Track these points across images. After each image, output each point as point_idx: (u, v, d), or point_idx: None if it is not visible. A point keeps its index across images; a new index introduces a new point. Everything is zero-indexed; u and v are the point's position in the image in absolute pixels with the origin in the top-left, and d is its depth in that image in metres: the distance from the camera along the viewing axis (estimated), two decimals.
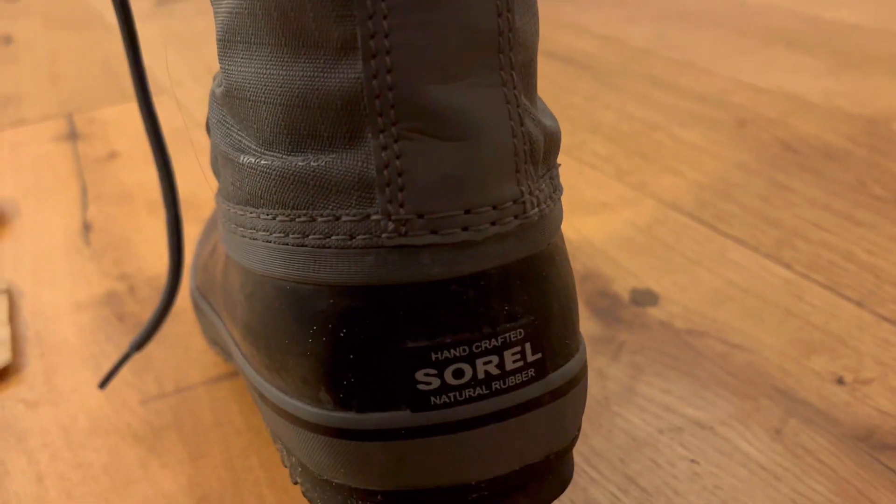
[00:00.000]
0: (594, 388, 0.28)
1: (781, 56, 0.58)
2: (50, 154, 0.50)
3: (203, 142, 0.51)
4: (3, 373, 0.31)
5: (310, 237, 0.19)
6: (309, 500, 0.21)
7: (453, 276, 0.18)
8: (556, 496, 0.21)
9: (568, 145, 0.46)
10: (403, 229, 0.18)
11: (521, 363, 0.19)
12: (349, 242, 0.18)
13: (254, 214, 0.20)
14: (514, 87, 0.18)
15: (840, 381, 0.28)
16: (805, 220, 0.38)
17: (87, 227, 0.42)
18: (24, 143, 0.52)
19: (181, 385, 0.30)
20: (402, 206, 0.18)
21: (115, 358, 0.32)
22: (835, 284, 0.33)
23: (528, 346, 0.19)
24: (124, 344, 0.33)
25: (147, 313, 0.34)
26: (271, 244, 0.20)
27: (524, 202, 0.18)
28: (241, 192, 0.21)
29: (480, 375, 0.18)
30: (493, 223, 0.18)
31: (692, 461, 0.25)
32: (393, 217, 0.18)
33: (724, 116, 0.49)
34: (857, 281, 0.33)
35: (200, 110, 0.57)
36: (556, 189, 0.20)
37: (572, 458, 0.21)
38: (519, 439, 0.19)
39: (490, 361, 0.18)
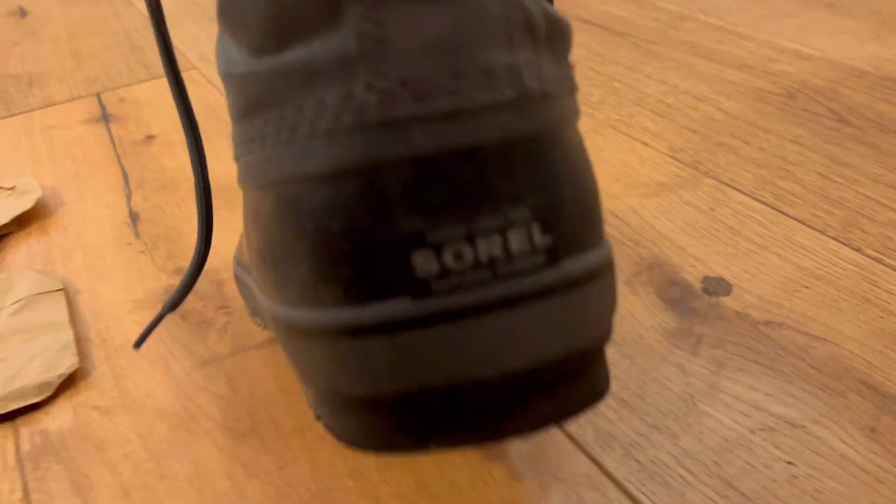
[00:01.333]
0: (677, 385, 0.28)
1: (822, 19, 0.57)
2: (84, 138, 0.49)
3: None
4: (71, 378, 0.31)
5: (300, 130, 0.18)
6: (329, 430, 0.20)
7: (446, 149, 0.17)
8: (586, 406, 0.19)
9: (616, 120, 0.46)
10: (388, 101, 0.17)
11: (528, 246, 0.17)
12: (337, 124, 0.17)
13: (250, 126, 0.20)
14: None
15: None
16: (869, 198, 0.37)
17: (134, 218, 0.41)
18: (56, 126, 0.51)
19: (255, 389, 0.30)
20: (384, 76, 0.17)
21: (181, 356, 0.32)
22: None
23: (535, 227, 0.17)
24: (191, 344, 0.32)
25: (209, 310, 0.34)
26: (268, 150, 0.19)
27: (520, 73, 0.17)
28: (238, 105, 0.20)
29: (483, 258, 0.17)
30: (484, 91, 0.17)
31: (788, 463, 0.25)
32: (376, 88, 0.17)
33: (770, 87, 0.48)
34: None
35: None
36: (568, 78, 0.19)
37: (606, 370, 0.20)
38: (532, 331, 0.18)
39: (492, 243, 0.17)
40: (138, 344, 0.28)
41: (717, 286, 0.32)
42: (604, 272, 0.19)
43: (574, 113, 0.20)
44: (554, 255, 0.18)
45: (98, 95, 0.55)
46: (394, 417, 0.19)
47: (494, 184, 0.17)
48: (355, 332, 0.18)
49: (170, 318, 0.34)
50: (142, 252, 0.38)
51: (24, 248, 0.39)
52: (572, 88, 0.20)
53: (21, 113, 0.53)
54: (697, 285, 0.33)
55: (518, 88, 0.17)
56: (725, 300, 0.32)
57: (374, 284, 0.17)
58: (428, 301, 0.17)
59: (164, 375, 0.31)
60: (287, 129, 0.18)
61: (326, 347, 0.18)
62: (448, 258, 0.17)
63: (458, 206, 0.17)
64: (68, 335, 0.32)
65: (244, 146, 0.20)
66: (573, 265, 0.18)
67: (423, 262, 0.17)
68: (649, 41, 0.55)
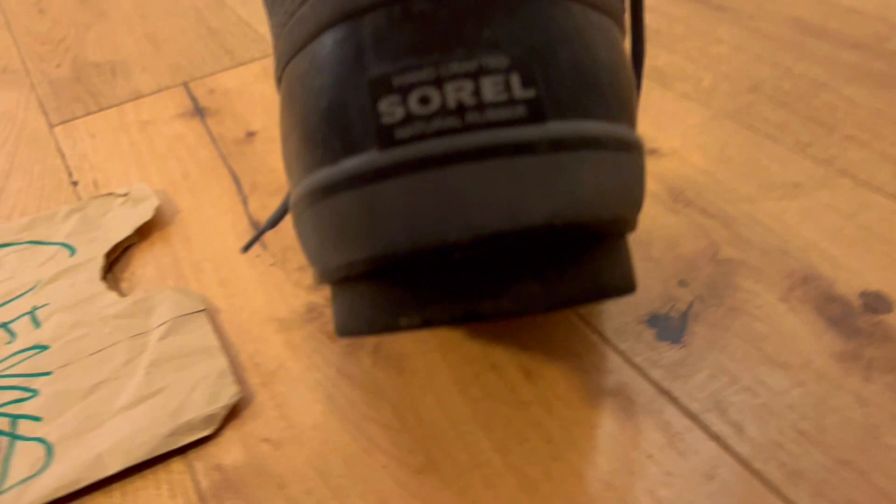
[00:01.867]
0: (857, 414, 0.28)
1: None
2: (184, 135, 0.49)
3: None
4: (234, 408, 0.31)
5: (295, 2, 0.18)
6: (336, 332, 0.19)
7: None
8: (584, 298, 0.17)
9: (734, 110, 0.44)
10: None
11: (505, 96, 0.16)
12: None
13: (273, 24, 0.20)
14: None
15: None
16: None
17: (256, 227, 0.41)
18: (152, 122, 0.50)
19: (421, 417, 0.30)
20: None
21: (339, 382, 0.32)
22: None
23: (515, 77, 0.16)
24: (345, 367, 0.32)
25: None
26: (282, 37, 0.19)
27: None
28: (265, 9, 0.20)
29: (451, 104, 0.16)
30: None
31: None
32: None
33: (890, 69, 0.46)
34: None
35: None
36: None
37: (623, 266, 0.18)
38: (505, 188, 0.16)
39: (462, 88, 0.16)
40: (246, 249, 0.29)
41: (877, 302, 0.32)
42: (612, 146, 0.17)
43: (604, 3, 0.18)
44: (537, 112, 0.16)
45: (186, 86, 0.54)
46: (369, 290, 0.18)
47: (470, 28, 0.16)
48: (329, 190, 0.17)
49: (318, 339, 0.34)
50: (273, 265, 0.38)
51: (151, 262, 0.39)
52: None
53: (112, 106, 0.53)
54: (856, 301, 0.32)
55: None
56: (888, 318, 0.31)
57: (345, 138, 0.17)
58: (392, 150, 0.16)
59: (326, 404, 0.31)
60: (288, 6, 0.18)
61: (311, 216, 0.18)
62: (413, 103, 0.16)
63: (427, 49, 0.16)
64: (223, 361, 0.32)
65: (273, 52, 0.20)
66: (565, 128, 0.17)
67: (388, 108, 0.16)
68: (750, 16, 0.53)
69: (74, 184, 0.45)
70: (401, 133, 0.16)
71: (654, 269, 0.35)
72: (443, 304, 0.17)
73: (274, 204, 0.42)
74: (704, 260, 0.35)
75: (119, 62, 0.58)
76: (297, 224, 0.19)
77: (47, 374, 0.33)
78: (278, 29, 0.20)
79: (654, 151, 0.42)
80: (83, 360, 0.33)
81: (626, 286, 0.19)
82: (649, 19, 0.55)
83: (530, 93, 0.16)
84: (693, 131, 0.43)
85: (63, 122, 0.51)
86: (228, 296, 0.37)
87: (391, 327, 0.18)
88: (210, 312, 0.36)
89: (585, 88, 0.17)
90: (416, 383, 0.31)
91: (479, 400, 0.30)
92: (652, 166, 0.41)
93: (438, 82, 0.16)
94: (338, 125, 0.17)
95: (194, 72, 0.56)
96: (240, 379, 0.32)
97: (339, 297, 0.19)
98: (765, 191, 0.38)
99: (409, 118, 0.16)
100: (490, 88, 0.16)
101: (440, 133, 0.16)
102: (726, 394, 0.29)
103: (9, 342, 0.35)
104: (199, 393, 0.31)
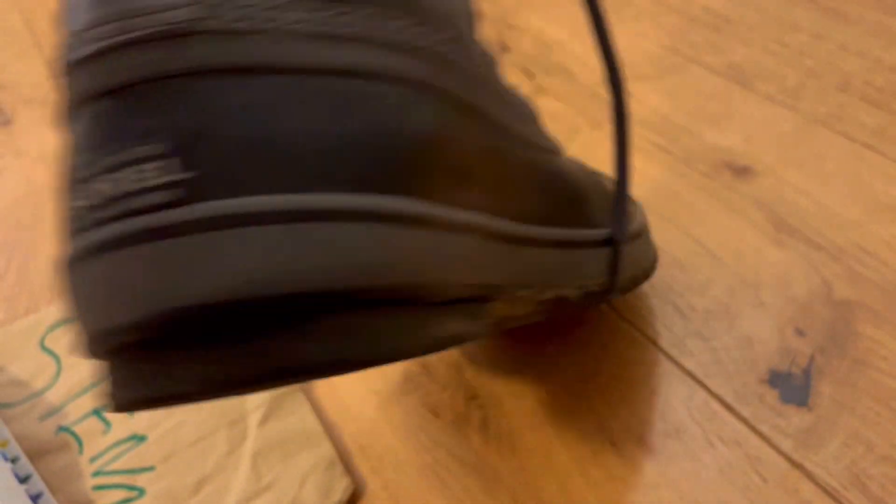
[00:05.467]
0: None
1: None
2: None
3: None
4: (349, 501, 0.30)
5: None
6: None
7: (93, 92, 0.18)
8: (268, 378, 0.18)
9: (825, 114, 0.42)
10: (64, 51, 0.18)
11: (148, 184, 0.17)
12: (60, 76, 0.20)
13: None
14: None
15: None
16: None
17: None
18: None
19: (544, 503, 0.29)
20: (64, 30, 0.18)
21: (451, 466, 0.31)
22: None
23: (167, 163, 0.18)
24: (455, 449, 0.31)
25: (458, 403, 0.33)
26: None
27: (171, 9, 0.18)
28: None
29: (97, 198, 0.18)
30: (119, 32, 0.18)
31: None
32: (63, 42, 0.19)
33: None
34: None
35: None
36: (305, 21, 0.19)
37: (358, 337, 0.18)
38: (154, 273, 0.17)
39: (118, 180, 0.18)
40: None
41: None
42: (288, 218, 0.18)
43: (317, 51, 0.19)
44: (185, 195, 0.17)
45: None
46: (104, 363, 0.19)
47: (131, 121, 0.18)
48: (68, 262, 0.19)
49: (420, 414, 0.33)
50: None
51: None
52: (316, 25, 0.19)
53: None
54: None
55: (163, 26, 0.17)
56: None
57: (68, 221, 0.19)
58: (80, 235, 0.18)
59: (441, 493, 0.30)
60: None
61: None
62: (92, 196, 0.18)
63: (91, 147, 0.18)
64: (329, 448, 0.31)
65: None
66: (214, 206, 0.17)
67: (76, 200, 0.18)
68: None
69: None
70: (83, 223, 0.18)
71: (768, 315, 0.33)
72: (125, 389, 0.18)
73: None
74: (819, 302, 0.33)
75: None
76: None
77: (150, 469, 0.32)
78: None
79: (747, 170, 0.39)
80: (184, 451, 0.33)
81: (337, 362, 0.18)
82: (719, 3, 0.51)
83: (175, 177, 0.17)
84: (786, 142, 0.40)
85: None
86: None
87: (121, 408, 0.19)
88: (304, 386, 0.35)
89: (254, 164, 0.18)
90: (534, 465, 0.30)
91: (601, 483, 0.29)
92: (749, 188, 0.38)
93: (94, 177, 0.18)
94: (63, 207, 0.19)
95: None
96: (348, 466, 0.32)
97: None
98: (872, 213, 0.36)
99: (90, 209, 0.18)
100: (133, 177, 0.17)
101: (107, 221, 0.18)
102: (864, 465, 0.28)
103: (105, 432, 0.34)
104: (309, 488, 0.30)
